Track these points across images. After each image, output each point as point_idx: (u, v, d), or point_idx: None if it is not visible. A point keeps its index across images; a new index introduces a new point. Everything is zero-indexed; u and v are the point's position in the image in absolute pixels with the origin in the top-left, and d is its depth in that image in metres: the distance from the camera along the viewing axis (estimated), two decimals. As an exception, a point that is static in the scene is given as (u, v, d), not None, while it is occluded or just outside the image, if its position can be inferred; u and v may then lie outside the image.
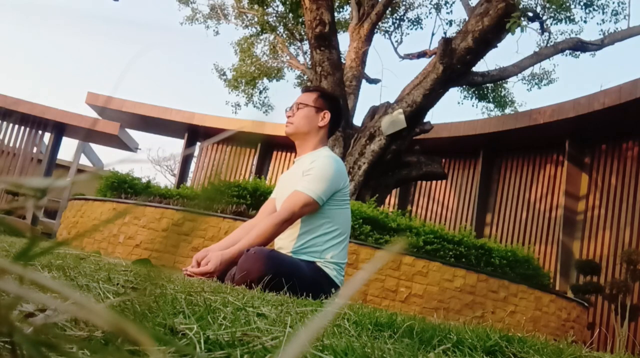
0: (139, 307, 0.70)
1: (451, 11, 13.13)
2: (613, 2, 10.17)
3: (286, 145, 12.94)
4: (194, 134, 14.24)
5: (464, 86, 11.23)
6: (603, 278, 8.10)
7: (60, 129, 13.48)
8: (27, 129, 13.35)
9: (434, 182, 11.17)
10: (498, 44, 7.49)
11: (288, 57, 13.13)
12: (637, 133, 8.87)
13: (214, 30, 13.90)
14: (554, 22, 10.52)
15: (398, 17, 12.45)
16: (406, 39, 28.09)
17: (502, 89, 12.27)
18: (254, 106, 13.68)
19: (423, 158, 7.88)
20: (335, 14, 10.11)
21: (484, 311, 5.39)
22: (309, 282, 2.28)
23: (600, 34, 9.91)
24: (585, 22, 10.42)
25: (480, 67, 9.80)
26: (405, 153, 7.76)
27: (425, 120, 7.89)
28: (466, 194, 11.35)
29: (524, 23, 6.97)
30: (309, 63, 10.33)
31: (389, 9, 10.98)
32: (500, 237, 10.27)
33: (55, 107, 13.05)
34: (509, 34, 6.82)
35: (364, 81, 9.80)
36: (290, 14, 11.59)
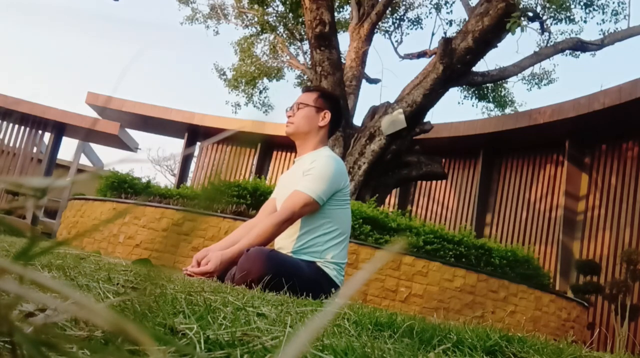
0: (139, 307, 0.70)
1: (451, 11, 13.12)
2: (613, 2, 10.17)
3: (286, 145, 12.94)
4: (194, 133, 14.24)
5: (464, 86, 11.23)
6: (603, 278, 8.10)
7: (60, 129, 13.48)
8: (27, 128, 13.35)
9: (434, 182, 11.17)
10: (498, 44, 7.49)
11: (288, 57, 13.13)
12: (637, 133, 8.87)
13: (214, 30, 13.91)
14: (554, 22, 10.52)
15: (398, 17, 12.45)
16: (406, 39, 28.08)
17: (502, 89, 12.26)
18: (254, 106, 13.68)
19: (423, 158, 7.88)
20: (335, 14, 10.10)
21: (484, 311, 5.39)
22: (309, 282, 2.28)
23: (600, 34, 9.91)
24: (585, 22, 10.43)
25: (480, 67, 9.80)
26: (405, 153, 7.76)
27: (425, 120, 7.89)
28: (466, 194, 11.35)
29: (524, 23, 6.97)
30: (309, 63, 10.33)
31: (389, 8, 10.98)
32: (500, 237, 10.26)
33: (55, 107, 13.06)
34: (509, 34, 6.81)
35: (364, 81, 9.80)
36: (290, 14, 11.59)
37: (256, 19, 12.73)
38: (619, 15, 10.16)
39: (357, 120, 8.60)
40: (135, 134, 15.09)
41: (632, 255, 6.74)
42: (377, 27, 10.61)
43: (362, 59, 9.14)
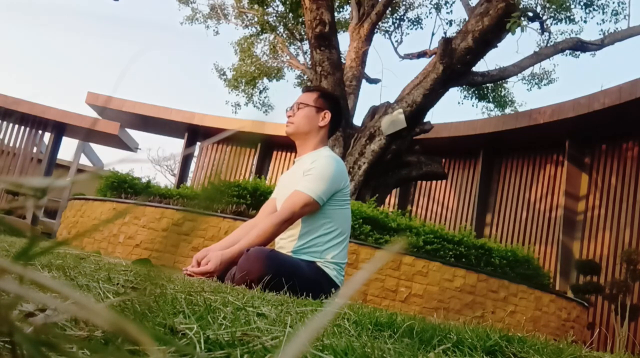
0: (139, 307, 0.70)
1: (451, 11, 13.13)
2: (613, 2, 10.18)
3: (286, 145, 12.94)
4: (194, 133, 14.24)
5: (464, 86, 11.23)
6: (603, 278, 8.10)
7: (60, 129, 13.48)
8: (27, 128, 13.35)
9: (434, 182, 11.17)
10: (498, 44, 7.48)
11: (288, 57, 13.13)
12: (637, 133, 8.87)
13: (214, 30, 13.91)
14: (554, 22, 10.52)
15: (398, 17, 12.45)
16: (406, 39, 28.07)
17: (502, 89, 12.26)
18: (254, 106, 13.69)
19: (423, 158, 7.88)
20: (335, 13, 10.10)
21: (484, 311, 5.39)
22: (309, 282, 2.28)
23: (600, 34, 9.91)
24: (585, 22, 10.43)
25: (480, 67, 9.80)
26: (405, 153, 7.76)
27: (425, 120, 7.89)
28: (466, 194, 11.35)
29: (524, 23, 6.97)
30: (309, 63, 10.33)
31: (389, 8, 10.98)
32: (500, 237, 10.26)
33: (55, 107, 13.05)
34: (509, 33, 6.81)
35: (364, 81, 9.80)
36: (290, 14, 11.59)
37: (256, 19, 12.73)
38: (619, 15, 10.16)
39: (357, 120, 8.60)
40: (135, 134, 15.11)
41: (632, 255, 6.74)
42: (377, 27, 10.61)
43: (362, 59, 9.14)
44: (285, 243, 2.53)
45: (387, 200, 10.07)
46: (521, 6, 7.88)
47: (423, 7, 12.85)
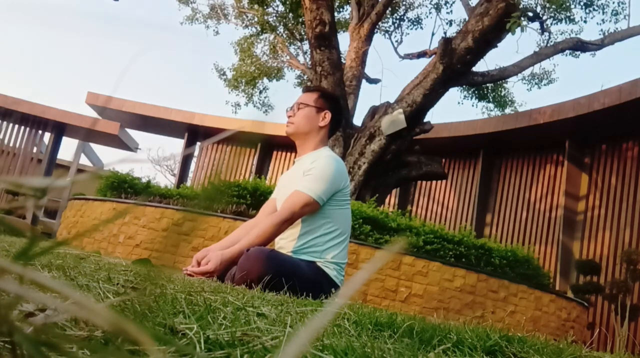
0: (139, 307, 0.70)
1: (451, 11, 13.13)
2: (613, 2, 10.18)
3: (286, 145, 12.94)
4: (194, 133, 14.24)
5: (464, 86, 11.23)
6: (603, 278, 8.10)
7: (60, 129, 13.48)
8: (27, 128, 13.35)
9: (434, 182, 11.17)
10: (498, 44, 7.49)
11: (288, 57, 13.13)
12: (637, 133, 8.87)
13: (214, 30, 13.92)
14: (554, 22, 10.52)
15: (398, 17, 12.45)
16: (406, 39, 28.09)
17: (502, 89, 12.26)
18: (254, 106, 13.69)
19: (423, 158, 7.88)
20: (335, 13, 10.10)
21: (484, 311, 5.39)
22: (309, 282, 2.28)
23: (600, 34, 9.91)
24: (585, 22, 10.43)
25: (480, 67, 9.81)
26: (405, 153, 7.76)
27: (425, 120, 7.89)
28: (466, 194, 11.35)
29: (524, 23, 6.97)
30: (309, 63, 10.32)
31: (389, 8, 10.98)
32: (500, 237, 10.26)
33: (55, 107, 13.05)
34: (509, 33, 6.81)
35: (364, 81, 9.80)
36: (290, 14, 11.59)
37: (256, 19, 12.73)
38: (619, 15, 10.16)
39: (357, 120, 8.60)
40: (135, 134, 15.11)
41: (632, 255, 6.74)
42: (377, 27, 10.61)
43: (362, 59, 9.14)
44: (285, 243, 2.53)
45: (387, 200, 10.07)
46: (521, 6, 7.88)
47: (423, 7, 12.86)
